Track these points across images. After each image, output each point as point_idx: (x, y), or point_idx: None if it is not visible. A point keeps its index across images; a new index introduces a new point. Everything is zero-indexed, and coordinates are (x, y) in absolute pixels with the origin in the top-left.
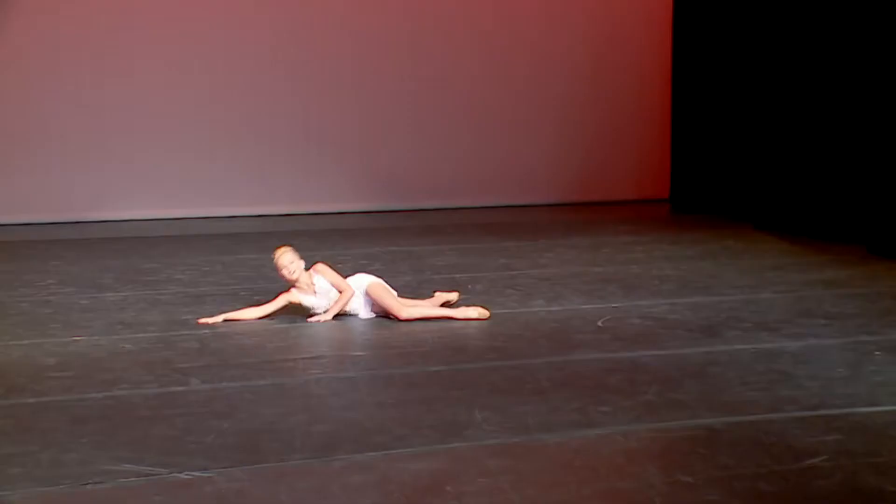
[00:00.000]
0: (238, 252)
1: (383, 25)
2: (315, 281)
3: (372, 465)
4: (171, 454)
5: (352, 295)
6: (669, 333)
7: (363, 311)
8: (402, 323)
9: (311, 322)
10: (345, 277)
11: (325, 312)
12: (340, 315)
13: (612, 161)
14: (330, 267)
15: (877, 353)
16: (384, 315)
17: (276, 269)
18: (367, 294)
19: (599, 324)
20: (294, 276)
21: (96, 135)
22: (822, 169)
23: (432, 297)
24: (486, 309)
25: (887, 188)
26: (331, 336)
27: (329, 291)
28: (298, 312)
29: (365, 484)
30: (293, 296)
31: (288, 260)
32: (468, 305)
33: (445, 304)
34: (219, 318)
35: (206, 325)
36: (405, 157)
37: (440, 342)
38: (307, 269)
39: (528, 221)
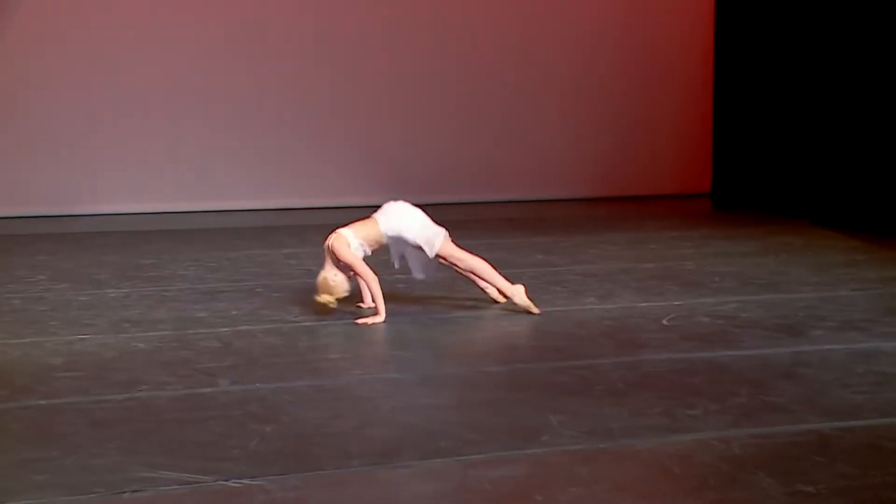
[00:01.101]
0: (243, 248)
1: (405, 7)
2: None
3: (444, 472)
4: (213, 460)
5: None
6: (745, 332)
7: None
8: (440, 321)
9: (360, 324)
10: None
11: (375, 315)
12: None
13: (646, 154)
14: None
15: None
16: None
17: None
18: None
19: (665, 322)
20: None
21: (81, 125)
22: (883, 162)
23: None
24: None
25: None
26: (363, 334)
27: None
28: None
29: (441, 492)
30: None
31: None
32: (512, 307)
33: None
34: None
35: (228, 323)
36: (422, 149)
37: (491, 341)
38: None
39: (557, 216)
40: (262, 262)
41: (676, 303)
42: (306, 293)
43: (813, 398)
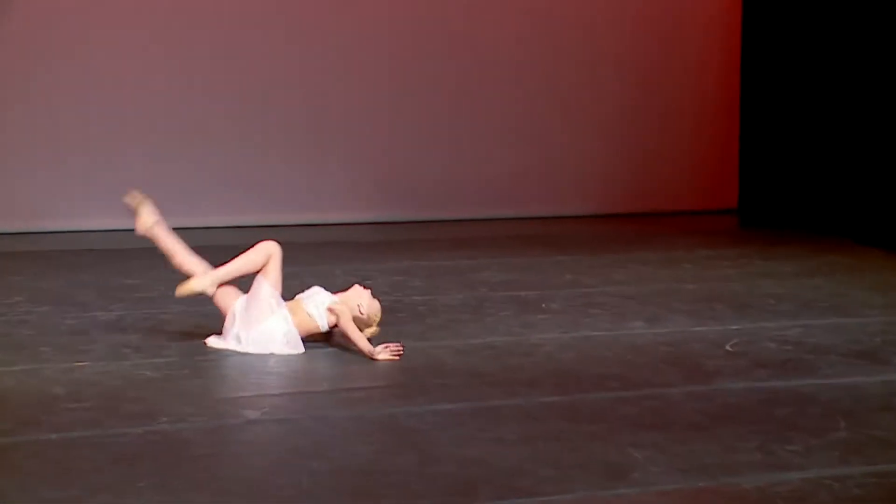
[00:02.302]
0: None
1: (409, 16)
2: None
3: None
4: (264, 500)
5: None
6: (821, 359)
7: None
8: (477, 347)
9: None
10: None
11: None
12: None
13: (665, 168)
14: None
15: None
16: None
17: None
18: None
19: (728, 348)
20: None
21: (48, 135)
22: None
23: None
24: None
25: None
26: (396, 362)
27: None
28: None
29: None
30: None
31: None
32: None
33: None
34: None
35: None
36: (426, 163)
37: (539, 369)
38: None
39: (575, 234)
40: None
41: (734, 327)
42: None
43: None
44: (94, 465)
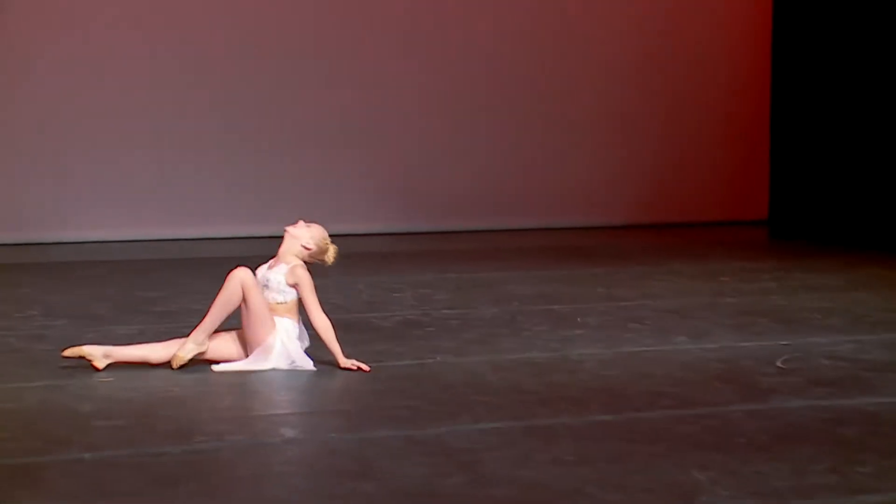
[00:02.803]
0: None
1: (435, 26)
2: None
3: None
4: None
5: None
6: (880, 377)
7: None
8: (517, 363)
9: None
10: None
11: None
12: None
13: (693, 178)
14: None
15: None
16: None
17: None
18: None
19: (779, 364)
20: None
21: (54, 145)
22: None
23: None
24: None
25: None
26: (431, 376)
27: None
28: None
29: None
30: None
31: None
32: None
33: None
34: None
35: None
36: (448, 173)
37: (586, 386)
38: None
39: (603, 245)
40: None
41: (783, 342)
42: (361, 330)
43: None
44: (133, 487)
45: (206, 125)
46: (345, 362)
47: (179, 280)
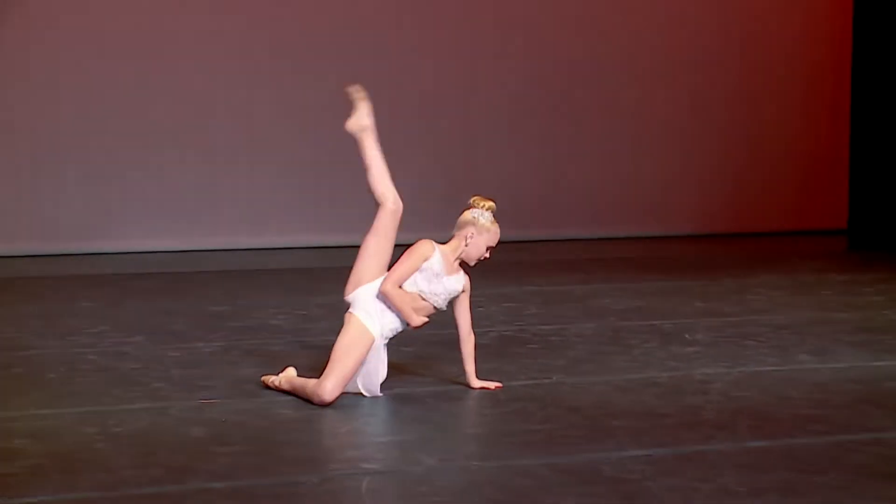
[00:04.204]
0: (326, 291)
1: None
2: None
3: None
4: None
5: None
6: None
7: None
8: (629, 385)
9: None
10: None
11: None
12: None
13: (767, 186)
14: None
15: None
16: None
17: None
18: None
19: None
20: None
21: (90, 155)
22: None
23: None
24: None
25: None
26: (543, 396)
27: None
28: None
29: None
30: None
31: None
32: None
33: None
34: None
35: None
36: (503, 179)
37: (718, 408)
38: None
39: (682, 255)
40: None
41: None
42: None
43: None
44: None
45: (252, 138)
46: (478, 382)
47: (243, 293)
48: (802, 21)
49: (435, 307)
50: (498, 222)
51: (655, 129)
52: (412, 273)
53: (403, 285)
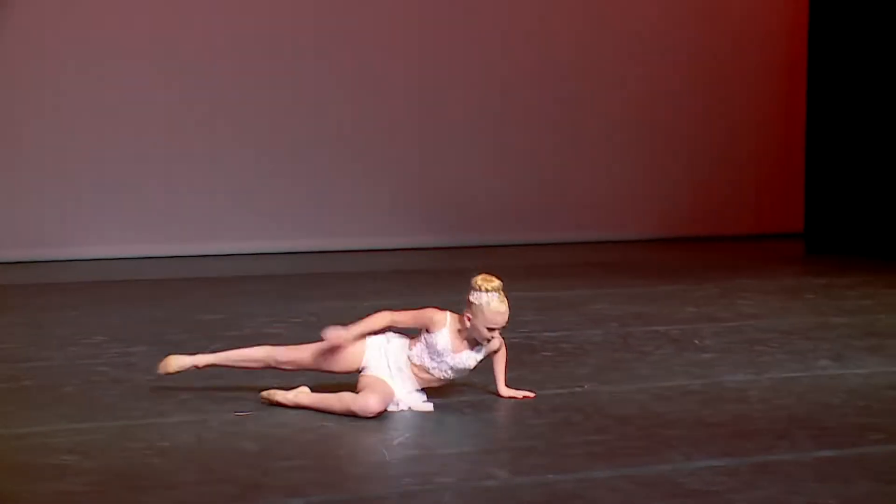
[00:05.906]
0: (316, 298)
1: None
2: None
3: None
4: None
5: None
6: None
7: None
8: (670, 393)
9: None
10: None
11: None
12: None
13: (724, 189)
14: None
15: None
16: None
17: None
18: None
19: None
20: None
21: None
22: None
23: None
24: None
25: None
26: (585, 407)
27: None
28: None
29: None
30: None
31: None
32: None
33: None
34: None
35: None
36: (478, 184)
37: (768, 416)
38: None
39: (650, 260)
40: (357, 315)
41: None
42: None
43: None
44: None
45: (239, 145)
46: (507, 391)
47: (232, 301)
48: (758, 25)
49: (442, 378)
50: (508, 299)
51: (610, 136)
52: (407, 324)
53: (413, 355)
